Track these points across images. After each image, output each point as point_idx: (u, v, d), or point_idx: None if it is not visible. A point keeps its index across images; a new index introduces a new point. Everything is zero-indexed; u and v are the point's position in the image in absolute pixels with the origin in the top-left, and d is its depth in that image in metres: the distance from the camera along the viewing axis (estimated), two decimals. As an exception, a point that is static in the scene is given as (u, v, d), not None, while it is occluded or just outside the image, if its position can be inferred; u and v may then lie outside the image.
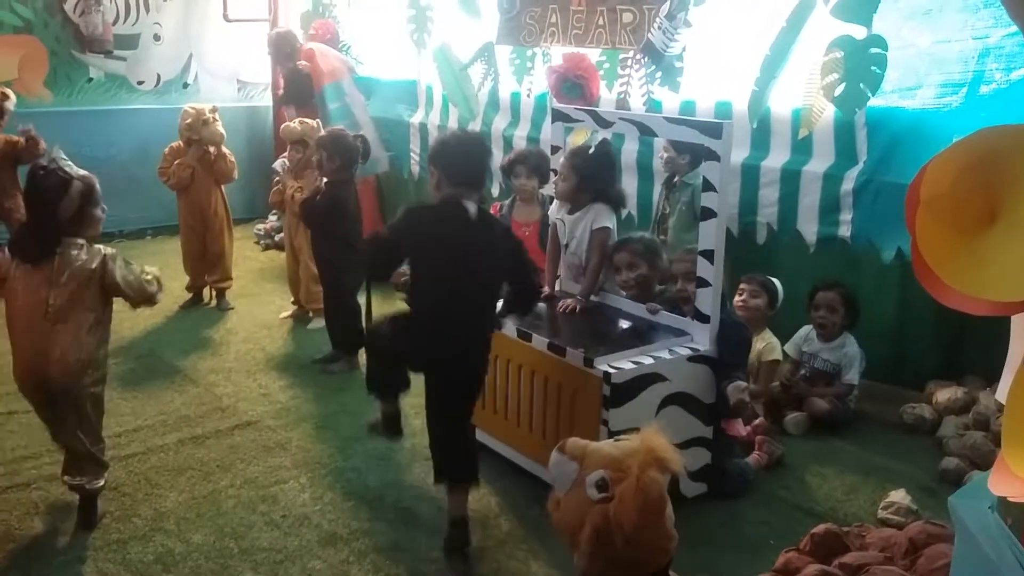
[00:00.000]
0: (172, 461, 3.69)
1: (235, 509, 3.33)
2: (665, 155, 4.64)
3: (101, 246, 3.14)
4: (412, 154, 6.75)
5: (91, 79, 7.22)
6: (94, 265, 3.05)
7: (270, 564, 2.99)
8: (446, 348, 2.97)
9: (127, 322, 5.16)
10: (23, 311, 3.03)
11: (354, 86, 6.84)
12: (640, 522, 1.90)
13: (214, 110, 5.50)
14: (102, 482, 3.24)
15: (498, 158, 5.97)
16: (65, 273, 3.01)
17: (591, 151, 3.81)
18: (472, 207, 2.99)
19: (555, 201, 3.98)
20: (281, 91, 6.95)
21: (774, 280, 4.16)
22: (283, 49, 6.79)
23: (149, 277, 3.24)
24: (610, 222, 3.73)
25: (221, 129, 5.48)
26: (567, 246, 3.85)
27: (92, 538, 3.13)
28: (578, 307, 3.63)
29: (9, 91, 5.79)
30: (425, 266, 3.03)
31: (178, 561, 3.00)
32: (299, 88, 6.66)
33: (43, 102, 6.85)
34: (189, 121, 5.43)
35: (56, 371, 3.02)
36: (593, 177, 3.74)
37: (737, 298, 4.10)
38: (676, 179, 4.61)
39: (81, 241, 3.07)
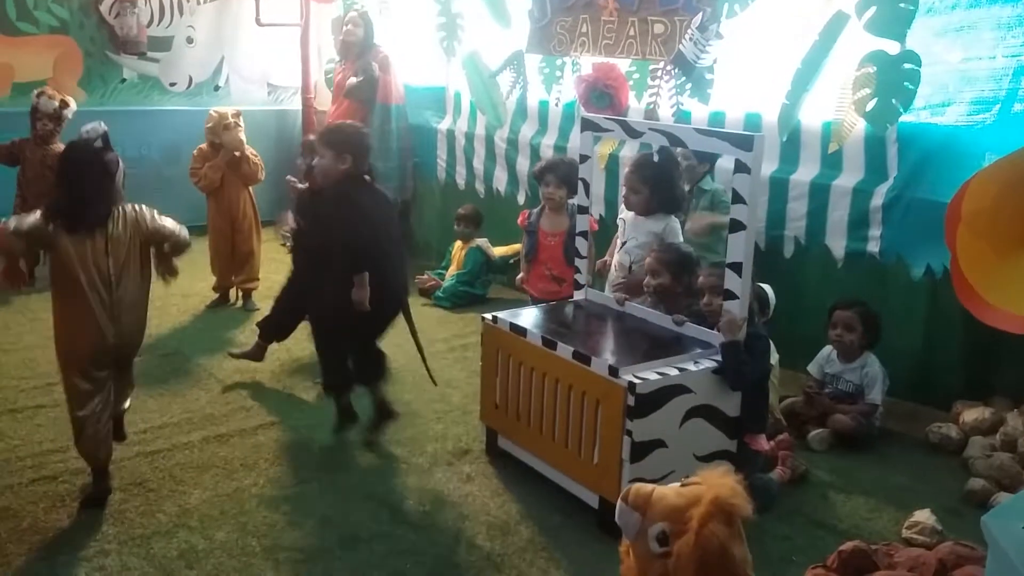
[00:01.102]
0: (196, 458, 3.72)
1: (258, 508, 3.35)
2: (685, 163, 4.62)
3: (124, 205, 3.27)
4: (439, 160, 6.79)
5: (124, 80, 7.31)
6: (131, 222, 3.23)
7: (292, 563, 3.01)
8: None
9: (154, 320, 5.19)
10: (85, 283, 3.11)
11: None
12: None
13: (236, 115, 5.54)
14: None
15: (524, 166, 6.01)
16: (118, 239, 3.18)
17: (656, 160, 3.88)
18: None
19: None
20: (348, 79, 6.76)
21: (763, 286, 4.00)
22: (362, 37, 6.72)
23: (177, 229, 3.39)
24: (680, 237, 3.98)
25: (241, 135, 5.51)
26: (624, 244, 3.96)
27: (116, 532, 3.16)
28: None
29: (70, 100, 5.88)
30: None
31: (201, 558, 3.02)
32: (365, 87, 6.68)
33: (77, 102, 6.97)
34: (211, 125, 5.50)
35: (128, 334, 3.25)
36: (664, 186, 3.87)
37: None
38: (692, 186, 4.62)
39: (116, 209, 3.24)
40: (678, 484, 2.04)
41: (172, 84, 7.57)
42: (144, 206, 3.32)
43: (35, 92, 5.88)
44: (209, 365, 4.70)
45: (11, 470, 3.54)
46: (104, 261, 3.14)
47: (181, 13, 7.49)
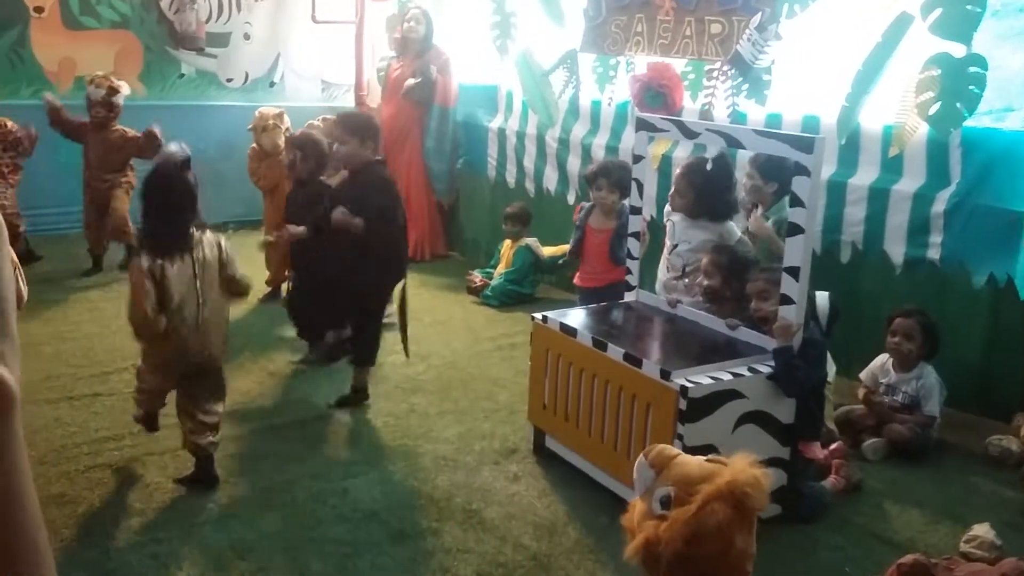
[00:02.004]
0: (248, 449, 3.77)
1: (306, 501, 3.38)
2: (749, 182, 4.32)
3: (207, 231, 3.36)
4: (489, 159, 6.79)
5: (182, 75, 7.44)
6: (215, 249, 3.34)
7: (339, 557, 3.03)
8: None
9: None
10: (181, 304, 3.20)
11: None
12: (685, 551, 1.79)
13: (278, 116, 5.60)
14: (217, 440, 3.50)
15: (575, 166, 5.98)
16: (203, 260, 3.28)
17: (709, 167, 3.83)
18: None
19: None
20: (406, 80, 6.82)
21: (817, 293, 3.80)
22: (423, 35, 6.73)
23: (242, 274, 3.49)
24: (737, 237, 3.97)
25: (279, 138, 5.56)
26: (675, 246, 3.94)
27: (169, 521, 3.21)
28: None
29: (122, 84, 6.01)
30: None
31: (251, 548, 3.06)
32: (422, 89, 6.71)
33: (136, 96, 7.11)
34: (251, 126, 5.56)
35: (212, 352, 3.37)
36: (711, 194, 3.83)
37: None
38: (759, 211, 4.25)
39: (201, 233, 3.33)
40: (703, 458, 2.00)
41: (229, 80, 7.68)
42: (224, 241, 3.40)
43: (87, 79, 6.01)
44: (261, 358, 4.75)
45: (68, 456, 3.61)
46: (194, 284, 3.24)
47: (239, 9, 7.59)
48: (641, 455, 2.00)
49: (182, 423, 3.44)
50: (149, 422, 3.61)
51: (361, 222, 3.97)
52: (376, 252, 4.06)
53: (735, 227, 4.05)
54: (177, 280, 3.20)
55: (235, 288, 3.43)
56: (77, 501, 3.30)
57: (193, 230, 3.29)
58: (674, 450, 2.00)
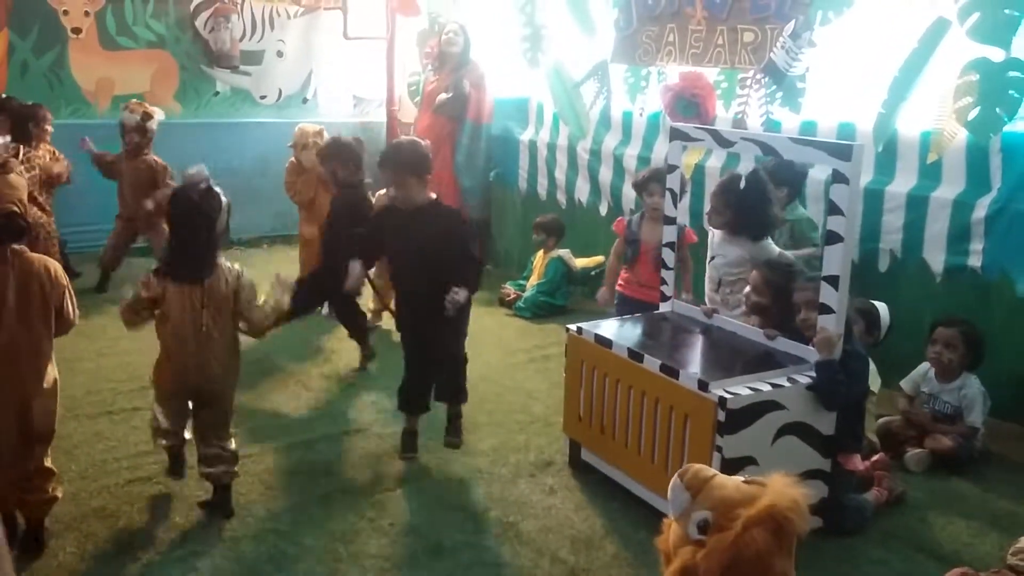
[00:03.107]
0: (284, 463, 3.78)
1: (344, 514, 3.38)
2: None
3: (233, 265, 3.31)
4: (520, 171, 6.80)
5: (217, 93, 7.54)
6: (231, 284, 3.25)
7: (378, 571, 3.02)
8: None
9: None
10: (178, 329, 3.20)
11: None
12: None
13: (318, 134, 5.64)
14: (235, 470, 3.41)
15: (606, 177, 5.97)
16: (214, 290, 3.21)
17: (743, 185, 3.81)
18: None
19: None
20: (440, 93, 6.84)
21: (876, 305, 3.87)
22: (461, 49, 6.76)
23: (268, 311, 3.35)
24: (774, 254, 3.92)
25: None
26: (713, 258, 3.97)
27: (207, 534, 3.22)
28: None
29: (155, 109, 6.09)
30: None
31: (290, 562, 3.06)
32: (454, 105, 6.75)
33: (173, 114, 7.23)
34: (292, 143, 5.61)
35: (210, 380, 3.27)
36: (748, 211, 3.83)
37: None
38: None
39: (221, 258, 3.28)
40: (741, 479, 1.95)
41: (263, 97, 7.78)
42: (247, 279, 3.30)
43: (122, 106, 6.10)
44: (297, 371, 4.78)
45: (108, 471, 3.65)
46: (199, 313, 3.19)
47: (272, 27, 7.69)
48: (676, 476, 1.95)
49: (199, 458, 3.40)
50: (174, 468, 3.51)
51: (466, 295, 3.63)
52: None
53: (773, 245, 3.99)
54: (176, 304, 3.18)
55: (247, 328, 3.35)
56: (117, 515, 3.32)
57: (212, 258, 3.22)
58: (710, 470, 1.96)
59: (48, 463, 3.12)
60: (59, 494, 3.15)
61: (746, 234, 3.98)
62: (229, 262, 3.31)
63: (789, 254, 4.17)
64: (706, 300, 4.16)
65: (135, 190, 5.99)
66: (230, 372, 3.36)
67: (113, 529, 3.24)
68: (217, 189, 3.27)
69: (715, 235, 4.02)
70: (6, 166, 2.91)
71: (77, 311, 3.12)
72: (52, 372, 3.07)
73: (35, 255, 3.01)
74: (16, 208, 2.98)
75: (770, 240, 4.03)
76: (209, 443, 3.34)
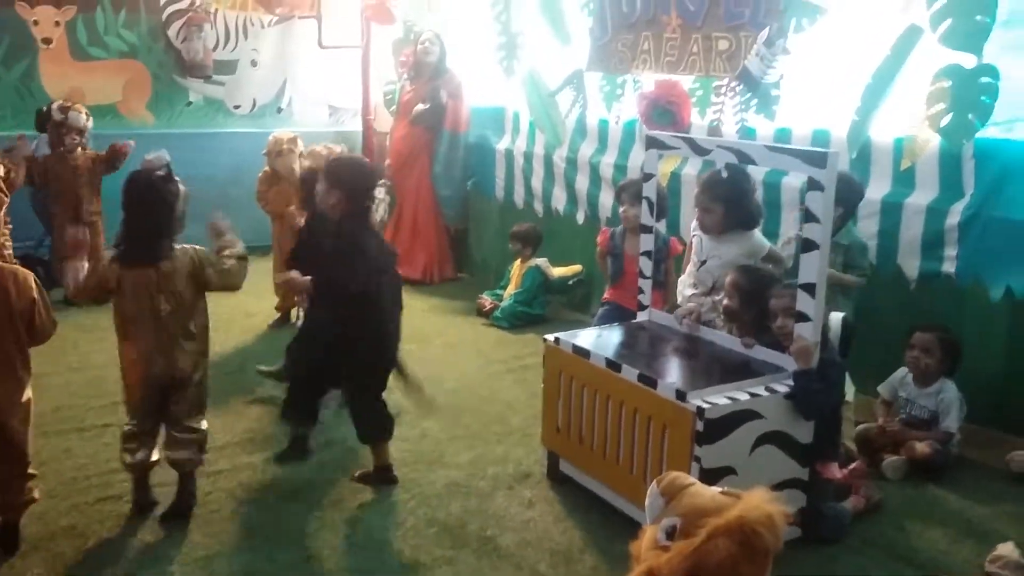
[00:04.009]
0: (258, 479, 3.72)
1: (319, 531, 3.33)
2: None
3: (188, 246, 3.28)
4: (497, 180, 6.78)
5: (190, 103, 7.47)
6: (189, 263, 3.23)
7: (353, 588, 2.98)
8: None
9: (218, 339, 5.23)
10: (135, 315, 3.17)
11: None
12: None
13: (292, 140, 5.59)
14: (202, 457, 3.42)
15: (583, 185, 5.96)
16: (173, 274, 3.18)
17: (724, 176, 3.77)
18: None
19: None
20: (417, 103, 6.83)
21: (834, 314, 3.60)
22: (436, 59, 6.74)
23: (231, 264, 3.33)
24: (765, 248, 3.85)
25: (294, 162, 5.55)
26: (704, 263, 3.85)
27: (179, 552, 3.16)
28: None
29: (88, 112, 6.11)
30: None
31: (263, 580, 3.02)
32: (430, 115, 6.72)
33: (145, 124, 7.15)
34: (266, 151, 5.56)
35: (174, 366, 3.24)
36: (738, 201, 3.76)
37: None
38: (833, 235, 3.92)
39: (177, 243, 3.24)
40: (719, 489, 1.94)
41: (236, 106, 7.72)
42: (204, 251, 3.30)
43: (56, 106, 6.04)
44: (272, 384, 4.72)
45: (78, 489, 3.58)
46: (156, 299, 3.16)
47: (246, 37, 7.64)
48: (654, 482, 1.95)
49: (163, 447, 3.39)
50: (139, 497, 3.42)
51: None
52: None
53: (763, 237, 3.91)
54: (131, 290, 3.15)
55: (220, 289, 3.32)
56: (87, 534, 3.26)
57: (168, 242, 3.20)
58: (688, 479, 1.94)
59: (31, 468, 3.11)
60: (37, 496, 3.14)
61: (739, 227, 3.89)
62: (185, 244, 3.28)
63: (844, 277, 4.02)
64: (679, 301, 4.11)
65: (77, 186, 5.99)
66: (197, 356, 3.32)
67: (82, 549, 3.17)
68: (176, 178, 3.24)
69: (704, 238, 3.95)
70: None
71: (53, 319, 3.07)
72: (28, 389, 3.04)
73: (9, 267, 2.99)
74: None
75: (759, 231, 3.95)
76: (180, 425, 3.31)
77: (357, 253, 3.48)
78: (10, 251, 5.55)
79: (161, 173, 3.22)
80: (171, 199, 3.21)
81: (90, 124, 6.07)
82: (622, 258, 4.61)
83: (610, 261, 4.72)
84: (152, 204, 3.18)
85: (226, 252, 3.35)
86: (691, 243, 4.08)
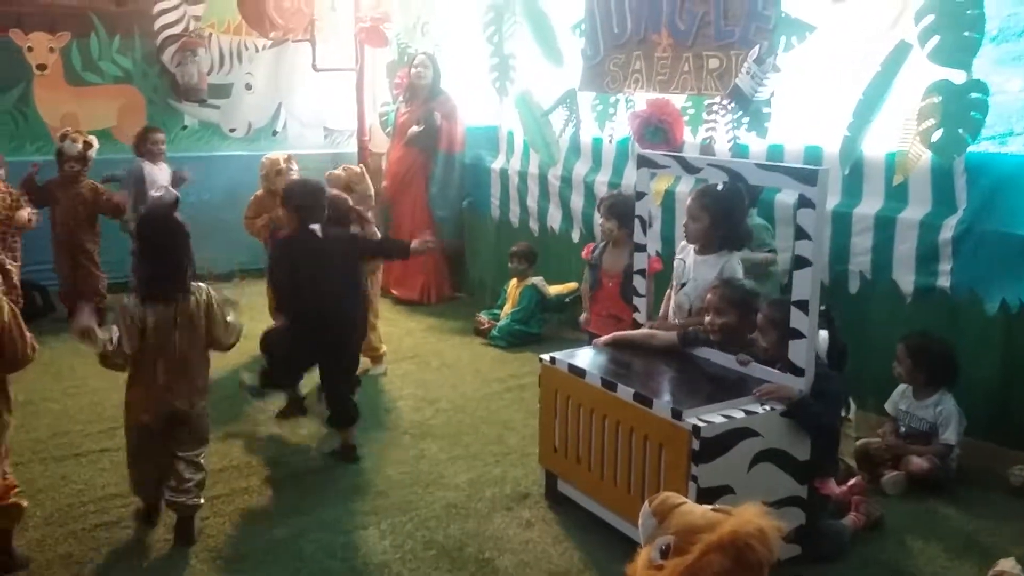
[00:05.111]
0: (254, 502, 3.71)
1: (315, 554, 3.31)
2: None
3: (202, 284, 3.36)
4: (492, 199, 6.80)
5: (186, 127, 7.49)
6: (202, 304, 3.30)
7: (350, 613, 2.96)
8: (329, 335, 4.07)
9: (215, 362, 5.24)
10: (154, 352, 3.22)
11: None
12: None
13: (288, 159, 5.59)
14: (201, 500, 3.42)
15: (578, 204, 5.98)
16: (188, 312, 3.26)
17: (720, 188, 3.77)
18: (317, 228, 4.07)
19: (683, 242, 4.02)
20: (412, 125, 6.84)
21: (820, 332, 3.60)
22: (430, 81, 6.78)
23: (232, 324, 3.42)
24: (740, 274, 3.75)
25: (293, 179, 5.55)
26: (683, 285, 3.83)
27: (177, 578, 3.15)
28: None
29: (93, 139, 6.16)
30: (300, 279, 4.03)
31: (260, 606, 3.00)
32: (425, 137, 6.74)
33: (141, 149, 7.15)
34: (264, 172, 5.56)
35: (184, 401, 3.31)
36: (726, 215, 3.75)
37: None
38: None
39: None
40: (710, 507, 1.93)
41: (232, 130, 7.73)
42: (220, 301, 3.38)
43: (59, 134, 6.10)
44: (268, 408, 4.70)
45: (74, 515, 3.56)
46: (173, 332, 3.23)
47: (240, 60, 7.67)
48: (645, 503, 1.96)
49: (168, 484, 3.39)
50: (149, 516, 3.47)
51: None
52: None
53: (737, 262, 3.85)
54: (154, 328, 3.20)
55: (217, 346, 3.41)
56: (83, 561, 3.24)
57: (187, 279, 3.27)
58: (679, 498, 1.94)
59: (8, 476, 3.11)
60: (24, 502, 3.13)
61: (724, 246, 3.83)
62: (200, 284, 3.37)
63: (744, 256, 4.11)
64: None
65: (74, 215, 6.05)
66: (204, 393, 3.41)
67: (77, 575, 3.15)
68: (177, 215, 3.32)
69: (687, 260, 3.96)
70: None
71: (28, 344, 3.02)
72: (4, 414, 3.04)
73: None
74: None
75: (738, 258, 3.91)
76: (184, 460, 3.33)
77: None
78: (17, 277, 5.58)
79: (171, 207, 3.28)
80: (186, 235, 3.31)
81: (92, 153, 6.08)
82: (599, 270, 4.62)
83: (589, 273, 4.73)
84: (169, 243, 3.27)
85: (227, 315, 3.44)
86: (675, 266, 4.05)
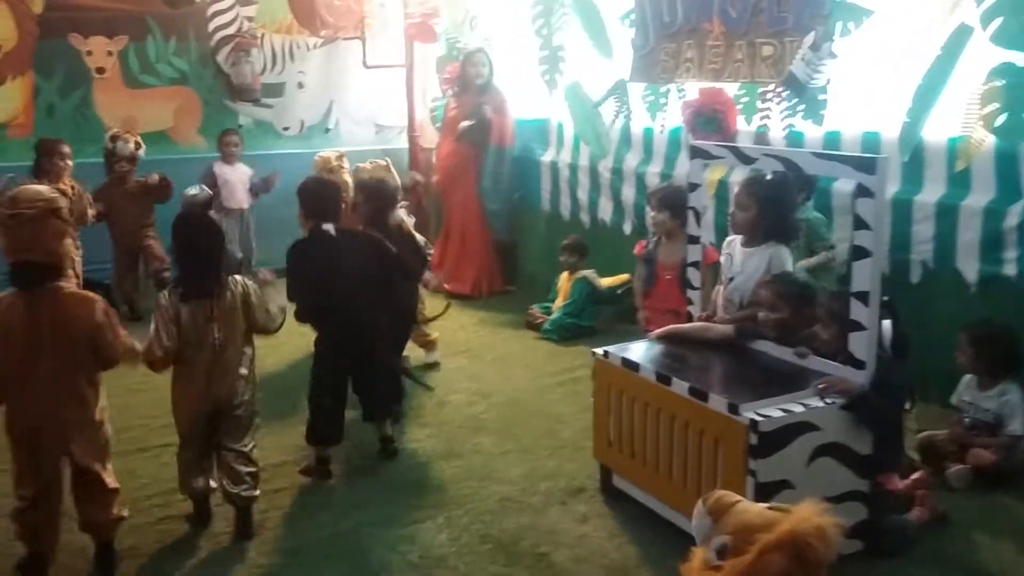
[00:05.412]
0: (312, 497, 3.76)
1: (374, 547, 3.35)
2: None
3: (238, 278, 3.43)
4: (543, 192, 6.79)
5: (240, 126, 7.60)
6: (241, 293, 3.36)
7: (408, 606, 2.99)
8: (357, 341, 3.94)
9: (270, 358, 5.36)
10: (193, 344, 3.28)
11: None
12: None
13: (340, 157, 5.66)
14: (257, 492, 3.47)
15: (629, 196, 5.94)
16: (225, 304, 3.31)
17: (769, 178, 3.72)
18: (331, 229, 3.94)
19: (728, 236, 3.94)
20: (462, 120, 6.86)
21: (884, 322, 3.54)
22: (487, 76, 6.80)
23: (274, 311, 3.49)
24: (790, 267, 3.66)
25: (346, 177, 5.62)
26: (732, 279, 3.75)
27: (237, 571, 3.21)
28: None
29: (141, 141, 6.38)
30: (319, 285, 3.88)
31: (320, 599, 3.04)
32: (476, 131, 6.77)
33: (196, 149, 7.31)
34: (317, 169, 5.64)
35: (228, 393, 3.36)
36: (774, 206, 3.69)
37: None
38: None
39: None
40: (765, 505, 1.90)
41: (285, 128, 7.84)
42: (256, 290, 3.43)
43: (109, 135, 6.28)
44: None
45: (139, 509, 3.64)
46: (211, 327, 3.29)
47: (292, 59, 7.76)
48: (699, 502, 1.94)
49: (219, 477, 3.47)
50: (200, 516, 3.52)
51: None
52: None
53: (786, 253, 3.77)
54: (190, 324, 3.26)
55: (261, 331, 3.47)
56: (147, 554, 3.32)
57: (222, 276, 3.33)
58: (734, 496, 1.92)
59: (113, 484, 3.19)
60: (124, 513, 3.24)
61: (768, 236, 3.75)
62: (235, 276, 3.43)
63: (803, 264, 4.12)
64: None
65: (129, 211, 6.22)
66: (246, 381, 3.43)
67: (144, 568, 3.23)
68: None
69: (734, 255, 3.89)
70: (57, 211, 2.98)
71: (123, 344, 3.14)
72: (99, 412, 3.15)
73: (75, 293, 3.08)
74: (33, 257, 2.99)
75: (788, 251, 3.84)
76: (231, 452, 3.39)
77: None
78: (79, 277, 5.74)
79: (204, 213, 3.36)
80: (220, 233, 3.40)
81: (141, 152, 6.27)
82: (655, 264, 4.57)
83: (644, 268, 4.69)
84: (203, 242, 3.34)
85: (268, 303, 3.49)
86: (722, 261, 3.96)
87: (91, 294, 3.13)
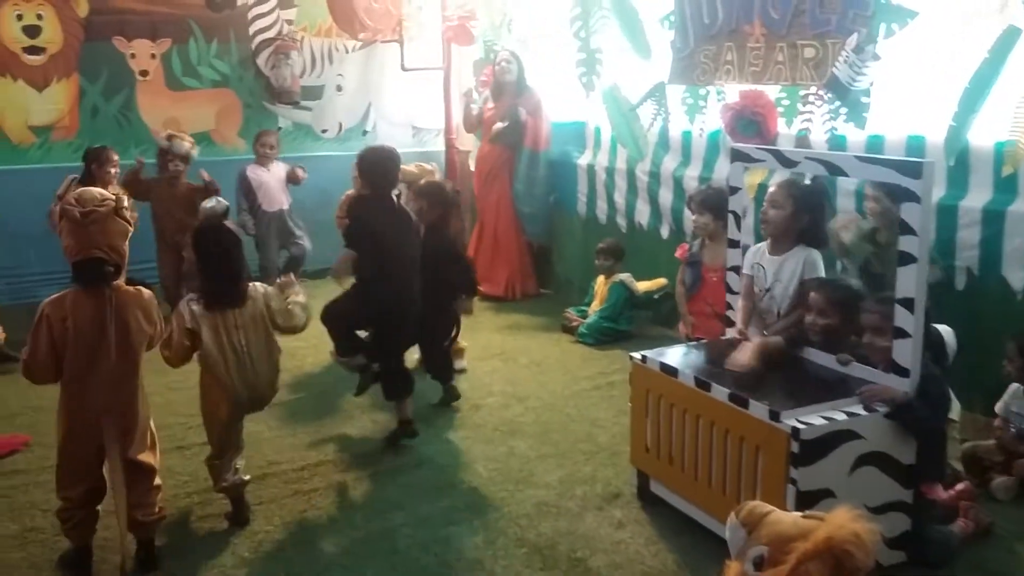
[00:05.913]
0: (349, 497, 3.78)
1: (409, 549, 3.36)
2: (874, 205, 4.12)
3: (259, 285, 3.54)
4: (579, 195, 6.77)
5: (280, 128, 7.67)
6: (260, 302, 3.47)
7: (445, 609, 2.99)
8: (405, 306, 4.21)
9: (308, 358, 5.40)
10: (219, 355, 3.36)
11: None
12: None
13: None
14: (247, 477, 3.63)
15: (667, 199, 5.90)
16: (248, 313, 3.42)
17: (807, 182, 3.67)
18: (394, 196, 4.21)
19: (751, 248, 3.85)
20: (497, 122, 6.88)
21: (940, 329, 3.50)
22: (515, 77, 6.81)
23: (296, 307, 3.56)
24: (822, 272, 3.63)
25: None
26: (768, 290, 3.69)
27: (276, 569, 3.23)
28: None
29: (194, 142, 6.42)
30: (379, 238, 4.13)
31: (356, 600, 3.05)
32: (510, 133, 6.78)
33: (237, 150, 7.39)
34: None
35: (260, 396, 3.53)
36: (810, 208, 3.64)
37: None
38: (881, 234, 4.02)
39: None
40: (799, 514, 1.87)
41: (324, 131, 7.90)
42: (274, 294, 3.53)
43: (165, 135, 6.34)
44: (362, 403, 4.78)
45: (179, 506, 3.69)
46: (236, 334, 3.38)
47: (331, 62, 7.82)
48: (732, 514, 1.91)
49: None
50: (238, 513, 3.57)
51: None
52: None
53: (818, 257, 3.72)
54: (211, 335, 3.34)
55: (287, 332, 3.57)
56: (187, 552, 3.36)
57: (244, 286, 3.42)
58: (767, 507, 1.90)
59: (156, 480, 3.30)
60: (163, 513, 3.33)
61: (800, 240, 3.71)
62: (255, 283, 3.55)
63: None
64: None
65: (176, 211, 6.25)
66: (275, 386, 3.58)
67: (184, 567, 3.26)
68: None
69: (764, 265, 3.83)
70: (121, 211, 3.08)
71: (159, 332, 3.27)
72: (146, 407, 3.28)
73: (135, 291, 3.18)
74: (101, 255, 3.06)
75: (819, 255, 3.78)
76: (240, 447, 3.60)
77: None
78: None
79: (223, 217, 3.46)
80: (239, 243, 3.49)
81: (195, 152, 6.33)
82: (700, 266, 4.53)
83: (688, 271, 4.64)
84: (223, 253, 3.42)
85: (290, 300, 3.56)
86: (745, 281, 3.84)
87: (147, 291, 3.22)
